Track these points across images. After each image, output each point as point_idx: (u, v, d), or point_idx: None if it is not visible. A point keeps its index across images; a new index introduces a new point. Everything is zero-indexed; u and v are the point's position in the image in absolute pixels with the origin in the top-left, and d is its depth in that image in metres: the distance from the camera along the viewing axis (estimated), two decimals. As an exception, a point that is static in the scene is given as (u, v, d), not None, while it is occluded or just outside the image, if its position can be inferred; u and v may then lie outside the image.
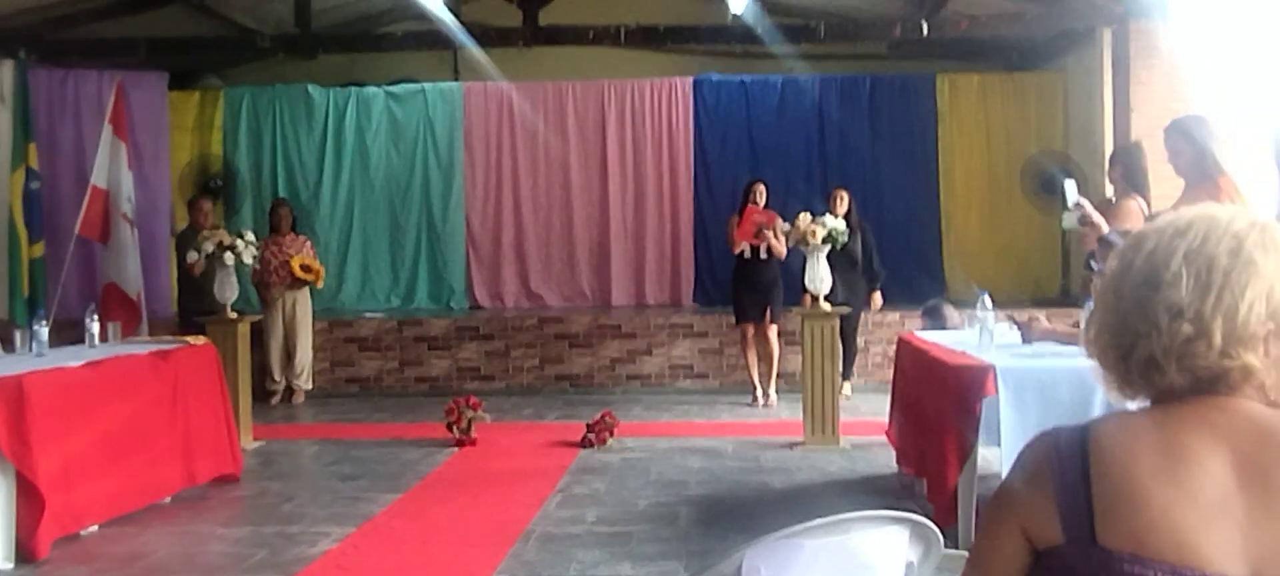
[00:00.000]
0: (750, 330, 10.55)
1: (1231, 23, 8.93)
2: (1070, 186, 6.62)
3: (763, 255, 10.29)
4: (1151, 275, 1.56)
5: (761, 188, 10.43)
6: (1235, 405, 1.53)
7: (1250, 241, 1.54)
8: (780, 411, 10.13)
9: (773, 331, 10.50)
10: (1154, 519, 1.45)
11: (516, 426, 9.69)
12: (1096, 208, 6.64)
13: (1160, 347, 1.54)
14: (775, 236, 9.87)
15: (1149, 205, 6.47)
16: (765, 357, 10.60)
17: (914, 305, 11.68)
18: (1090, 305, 1.71)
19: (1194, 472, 1.47)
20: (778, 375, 10.64)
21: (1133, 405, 1.63)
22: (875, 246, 10.95)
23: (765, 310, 10.40)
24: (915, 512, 2.39)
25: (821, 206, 9.77)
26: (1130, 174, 6.92)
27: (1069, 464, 1.53)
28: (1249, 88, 8.71)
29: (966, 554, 1.68)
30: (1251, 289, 1.52)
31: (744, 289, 10.49)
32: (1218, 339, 1.51)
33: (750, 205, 10.32)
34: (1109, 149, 10.97)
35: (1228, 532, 1.44)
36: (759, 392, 10.58)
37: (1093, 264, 5.84)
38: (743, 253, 10.40)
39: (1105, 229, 5.31)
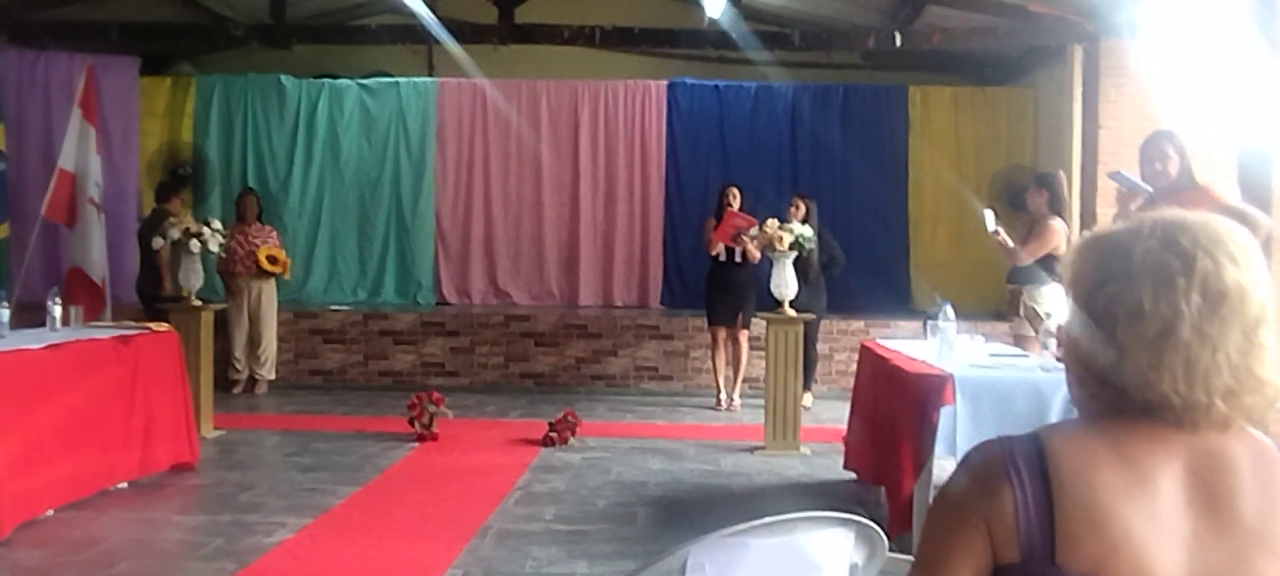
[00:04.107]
0: (721, 333, 10.57)
1: (1200, 45, 8.99)
2: (988, 215, 7.14)
3: (737, 259, 10.31)
4: (1215, 304, 1.49)
5: (735, 191, 10.47)
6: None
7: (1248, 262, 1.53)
8: (743, 416, 10.17)
9: (743, 336, 10.52)
10: (1115, 540, 1.45)
11: (479, 423, 9.68)
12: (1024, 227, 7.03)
13: (1222, 386, 1.49)
14: (750, 240, 9.90)
15: (1070, 227, 6.97)
16: (733, 362, 10.63)
17: (878, 314, 11.79)
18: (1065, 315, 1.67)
19: (1150, 492, 1.48)
20: (742, 380, 10.67)
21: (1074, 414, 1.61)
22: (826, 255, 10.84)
23: (737, 314, 10.41)
24: (864, 516, 2.40)
25: (792, 214, 9.83)
26: (1054, 199, 7.45)
27: (1030, 480, 1.50)
28: (1214, 108, 8.78)
29: (912, 559, 1.63)
30: (1263, 326, 1.51)
31: (718, 292, 10.49)
32: (1268, 376, 1.51)
33: (728, 208, 10.35)
34: (1078, 165, 11.09)
35: (1175, 551, 1.45)
36: (723, 396, 10.61)
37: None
38: (718, 255, 10.41)
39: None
